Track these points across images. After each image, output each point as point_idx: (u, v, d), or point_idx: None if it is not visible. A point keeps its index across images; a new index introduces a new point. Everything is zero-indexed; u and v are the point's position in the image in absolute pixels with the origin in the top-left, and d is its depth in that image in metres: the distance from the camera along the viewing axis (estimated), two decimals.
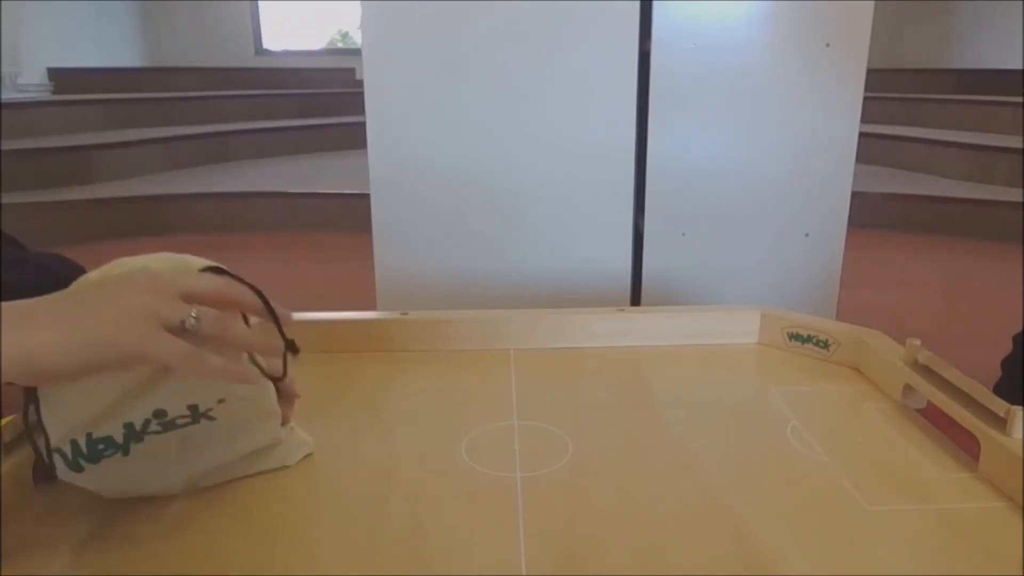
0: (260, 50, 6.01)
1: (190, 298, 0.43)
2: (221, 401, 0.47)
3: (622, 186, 1.10)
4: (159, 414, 0.46)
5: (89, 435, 0.45)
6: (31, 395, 0.44)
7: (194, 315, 0.41)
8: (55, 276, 0.54)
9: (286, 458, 0.53)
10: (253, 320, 0.48)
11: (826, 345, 0.71)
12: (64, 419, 0.44)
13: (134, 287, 0.42)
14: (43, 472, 0.47)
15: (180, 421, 0.47)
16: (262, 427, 0.51)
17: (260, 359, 0.49)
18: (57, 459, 0.45)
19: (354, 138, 2.52)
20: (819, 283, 1.14)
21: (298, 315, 0.73)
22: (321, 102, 5.08)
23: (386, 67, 1.07)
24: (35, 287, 0.43)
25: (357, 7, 1.05)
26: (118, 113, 4.38)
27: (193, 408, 0.47)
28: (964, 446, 0.54)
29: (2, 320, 0.38)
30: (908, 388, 0.60)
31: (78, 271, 0.63)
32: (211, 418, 0.48)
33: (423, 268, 1.13)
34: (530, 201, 1.11)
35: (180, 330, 0.41)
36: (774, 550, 0.43)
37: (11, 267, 0.65)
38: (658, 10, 1.04)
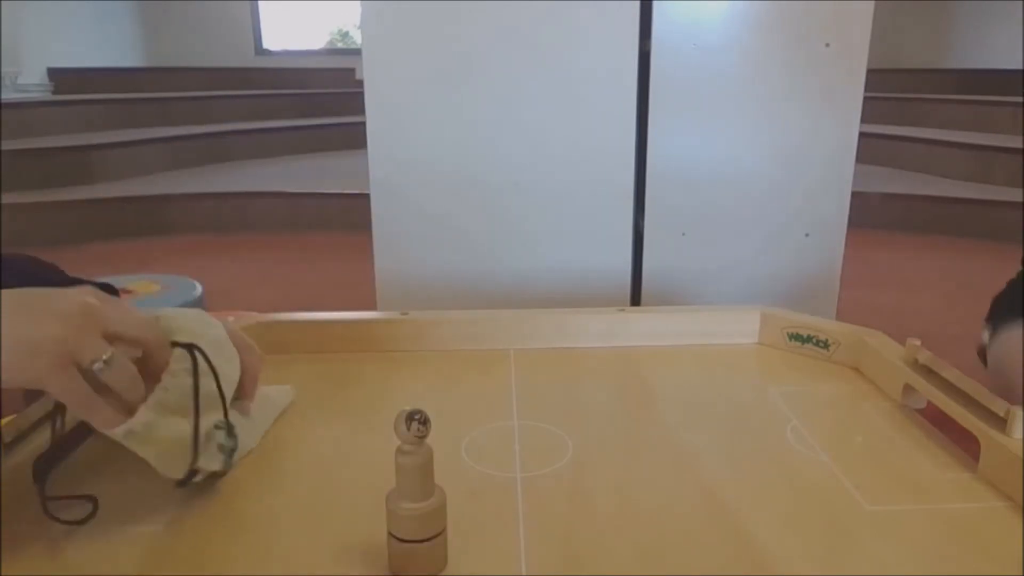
0: (260, 50, 6.02)
1: (114, 337, 0.43)
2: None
3: (622, 186, 1.10)
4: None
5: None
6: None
7: (105, 358, 0.41)
8: (27, 276, 0.54)
9: (279, 402, 0.59)
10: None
11: (826, 345, 0.71)
12: None
13: (58, 315, 0.41)
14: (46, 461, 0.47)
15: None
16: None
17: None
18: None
19: (354, 138, 2.52)
20: (819, 283, 1.14)
21: (299, 315, 0.74)
22: (321, 102, 5.08)
23: (386, 67, 1.07)
24: None
25: (357, 7, 1.05)
26: (118, 113, 4.38)
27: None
28: (964, 446, 0.54)
29: None
30: (908, 388, 0.60)
31: (50, 271, 0.63)
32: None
33: (423, 268, 1.13)
34: (530, 201, 1.11)
35: (88, 371, 0.41)
36: (774, 550, 0.43)
37: None
38: (658, 10, 1.04)
